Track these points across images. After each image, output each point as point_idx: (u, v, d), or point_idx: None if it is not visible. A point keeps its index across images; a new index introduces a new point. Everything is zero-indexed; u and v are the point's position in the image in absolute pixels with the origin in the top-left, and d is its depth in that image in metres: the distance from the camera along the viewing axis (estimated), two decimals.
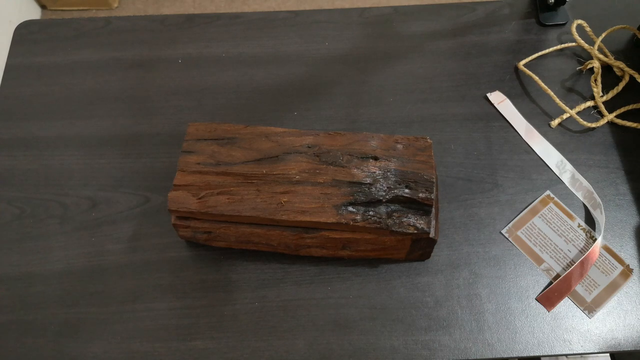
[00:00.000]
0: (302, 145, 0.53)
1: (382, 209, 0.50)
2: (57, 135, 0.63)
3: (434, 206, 0.51)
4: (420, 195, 0.50)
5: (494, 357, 0.51)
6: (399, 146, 0.53)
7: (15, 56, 0.69)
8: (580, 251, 0.55)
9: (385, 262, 0.55)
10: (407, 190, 0.50)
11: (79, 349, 0.52)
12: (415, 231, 0.49)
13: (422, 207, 0.50)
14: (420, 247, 0.52)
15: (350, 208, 0.50)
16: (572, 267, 0.54)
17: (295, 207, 0.50)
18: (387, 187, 0.50)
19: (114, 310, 0.54)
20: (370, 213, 0.49)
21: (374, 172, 0.51)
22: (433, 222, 0.51)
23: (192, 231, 0.53)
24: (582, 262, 0.54)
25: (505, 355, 0.51)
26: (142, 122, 0.64)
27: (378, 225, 0.49)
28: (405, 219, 0.49)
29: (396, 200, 0.50)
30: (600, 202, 0.57)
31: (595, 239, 0.56)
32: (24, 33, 0.71)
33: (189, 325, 0.53)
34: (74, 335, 0.53)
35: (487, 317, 0.53)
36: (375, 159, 0.52)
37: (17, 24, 0.72)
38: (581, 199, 0.58)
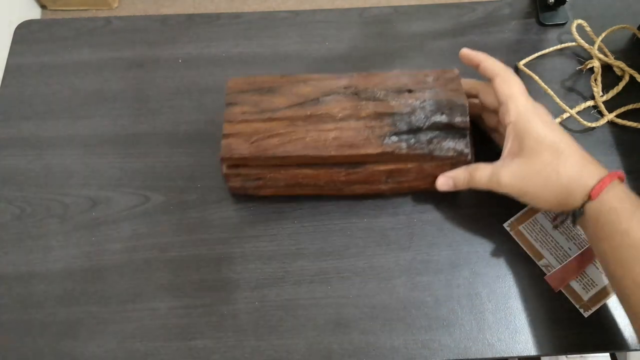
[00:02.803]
0: (338, 87, 0.56)
1: (423, 137, 0.53)
2: (57, 135, 0.63)
3: (469, 133, 0.54)
4: (457, 120, 0.53)
5: (494, 356, 0.51)
6: (429, 79, 0.56)
7: (15, 56, 0.69)
8: (580, 250, 0.55)
9: (385, 262, 0.55)
10: (443, 117, 0.53)
11: (79, 349, 0.52)
12: (455, 154, 0.52)
13: (460, 132, 0.53)
14: None
15: (393, 138, 0.52)
16: (584, 249, 0.55)
17: (343, 142, 0.52)
18: (425, 116, 0.53)
19: (114, 310, 0.54)
20: (412, 141, 0.52)
21: (412, 103, 0.54)
22: (470, 146, 0.54)
23: (242, 180, 0.55)
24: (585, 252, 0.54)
25: (505, 355, 0.52)
26: (142, 122, 0.64)
27: (421, 152, 0.52)
28: (445, 143, 0.53)
29: (434, 127, 0.53)
30: None
31: None
32: (24, 33, 0.71)
33: (189, 325, 0.53)
34: (74, 335, 0.53)
35: (487, 316, 0.53)
36: (410, 91, 0.55)
37: (17, 24, 0.72)
38: None
